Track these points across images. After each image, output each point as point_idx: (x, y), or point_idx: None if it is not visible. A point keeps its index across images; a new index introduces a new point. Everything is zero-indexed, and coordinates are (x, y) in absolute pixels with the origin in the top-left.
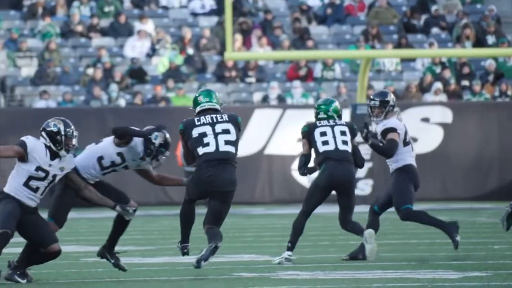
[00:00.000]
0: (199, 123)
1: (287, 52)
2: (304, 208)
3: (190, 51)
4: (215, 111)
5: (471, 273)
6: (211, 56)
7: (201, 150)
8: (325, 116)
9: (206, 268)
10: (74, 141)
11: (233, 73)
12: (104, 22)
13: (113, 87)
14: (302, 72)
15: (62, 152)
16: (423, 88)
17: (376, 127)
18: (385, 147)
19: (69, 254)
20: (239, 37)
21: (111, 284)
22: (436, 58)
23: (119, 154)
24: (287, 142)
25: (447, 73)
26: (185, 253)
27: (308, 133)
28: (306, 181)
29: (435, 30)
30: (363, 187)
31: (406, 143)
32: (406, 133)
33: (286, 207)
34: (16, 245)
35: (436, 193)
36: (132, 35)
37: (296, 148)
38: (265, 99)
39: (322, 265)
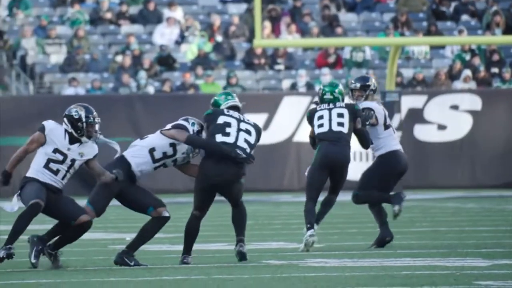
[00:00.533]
0: (228, 113)
1: (316, 40)
2: (307, 196)
3: (219, 38)
4: (239, 110)
5: (500, 261)
6: (240, 43)
7: (219, 138)
8: (331, 97)
9: (234, 256)
10: (97, 127)
11: (262, 61)
12: (133, 9)
13: (142, 74)
14: (331, 59)
15: (84, 139)
16: (453, 76)
17: None
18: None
19: (97, 241)
20: (268, 24)
21: (140, 271)
22: (465, 46)
23: (171, 145)
24: None
25: (477, 61)
26: (185, 263)
27: (309, 118)
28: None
29: (464, 17)
30: None
31: (386, 127)
32: (385, 117)
33: None
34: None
35: (465, 181)
36: (161, 22)
37: None
38: (293, 86)
39: (350, 252)
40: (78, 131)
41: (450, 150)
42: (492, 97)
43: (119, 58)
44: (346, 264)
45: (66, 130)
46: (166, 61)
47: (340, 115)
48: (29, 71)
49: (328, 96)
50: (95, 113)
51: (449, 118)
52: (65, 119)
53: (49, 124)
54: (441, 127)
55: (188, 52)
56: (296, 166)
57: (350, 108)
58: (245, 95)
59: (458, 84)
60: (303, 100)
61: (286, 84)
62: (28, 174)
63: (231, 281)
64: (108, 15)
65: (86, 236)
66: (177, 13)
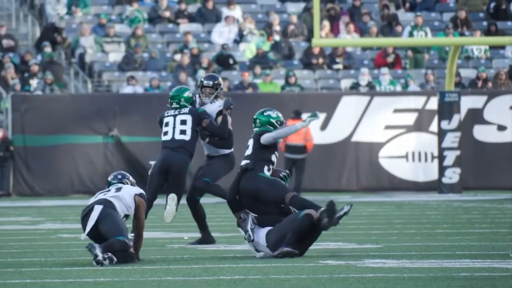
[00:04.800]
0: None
1: (375, 39)
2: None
3: (277, 37)
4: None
5: None
6: (298, 42)
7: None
8: (177, 106)
9: (292, 257)
10: None
11: (320, 60)
12: (192, 8)
13: (201, 72)
14: (390, 59)
15: None
16: None
17: (206, 106)
18: (220, 127)
19: (156, 241)
20: (326, 24)
21: (197, 270)
22: None
23: None
24: (375, 129)
25: None
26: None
27: (159, 123)
28: None
29: None
30: (451, 175)
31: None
32: None
33: (373, 194)
34: None
35: None
36: (220, 21)
37: (383, 135)
38: (354, 86)
39: (408, 253)
40: None
41: (510, 151)
42: None
43: (177, 57)
44: (405, 265)
45: None
46: (224, 60)
47: (183, 122)
48: (88, 69)
49: (174, 105)
50: None
51: (510, 118)
52: None
53: None
54: (501, 127)
55: (246, 51)
56: (354, 166)
57: (193, 113)
58: (304, 95)
59: None
60: (361, 100)
61: (344, 83)
62: None
63: (289, 281)
64: (167, 14)
65: (144, 235)
66: (236, 12)
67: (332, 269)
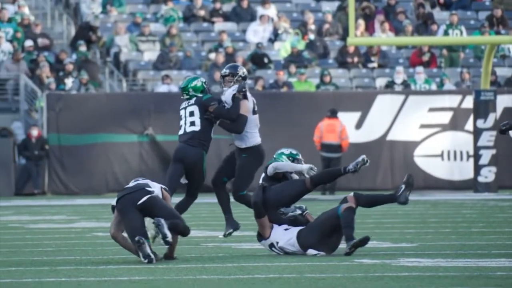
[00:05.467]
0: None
1: (410, 38)
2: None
3: (312, 36)
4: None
5: None
6: (333, 41)
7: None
8: (188, 96)
9: (327, 255)
10: None
11: (355, 59)
12: (227, 7)
13: None
14: (425, 57)
15: None
16: None
17: (223, 93)
18: (227, 109)
19: (190, 239)
20: (361, 22)
21: (232, 269)
22: None
23: None
24: (410, 128)
25: None
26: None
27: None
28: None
29: None
30: (487, 174)
31: (254, 112)
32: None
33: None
34: None
35: None
36: (255, 20)
37: (419, 134)
38: (389, 84)
39: (444, 252)
40: None
41: None
42: None
43: (212, 56)
44: (440, 264)
45: None
46: (259, 59)
47: (191, 114)
48: (123, 68)
49: (185, 96)
50: None
51: None
52: None
53: None
54: None
55: (281, 50)
56: (389, 165)
57: (198, 102)
58: (338, 94)
59: None
60: (397, 99)
61: (379, 82)
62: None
63: (323, 280)
64: (202, 13)
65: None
66: (271, 11)
67: (367, 268)
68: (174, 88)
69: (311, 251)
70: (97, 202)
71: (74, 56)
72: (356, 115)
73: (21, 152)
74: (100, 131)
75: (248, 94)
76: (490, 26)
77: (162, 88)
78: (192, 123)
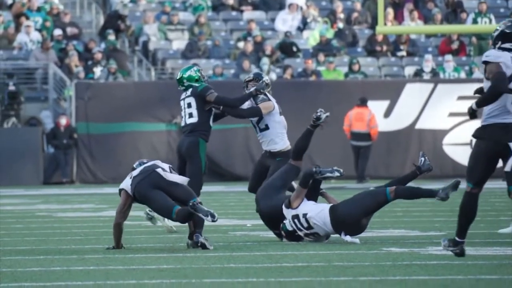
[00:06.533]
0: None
1: (439, 26)
2: None
3: (341, 24)
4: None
5: None
6: (362, 29)
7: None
8: (184, 87)
9: (354, 243)
10: None
11: (384, 47)
12: None
13: (265, 60)
14: (454, 46)
15: None
16: None
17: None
18: (232, 98)
19: (218, 228)
20: (390, 11)
21: (260, 257)
22: None
23: None
24: (439, 116)
25: None
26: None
27: None
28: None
29: None
30: None
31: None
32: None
33: (437, 181)
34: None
35: None
36: (283, 8)
37: (447, 122)
38: (418, 73)
39: (472, 241)
40: None
41: None
42: None
43: (240, 45)
44: (469, 253)
45: None
46: (288, 48)
47: (189, 105)
48: (151, 57)
49: (180, 87)
50: None
51: None
52: None
53: None
54: None
55: (310, 39)
56: (417, 154)
57: (194, 93)
58: (367, 82)
59: None
60: (426, 87)
61: (408, 70)
62: None
63: (352, 269)
64: (230, 1)
65: (208, 222)
66: None
67: (395, 257)
68: None
69: (348, 238)
70: None
71: (103, 45)
72: (385, 104)
73: (49, 141)
74: (129, 119)
75: (270, 97)
76: None
77: None
78: (190, 115)
